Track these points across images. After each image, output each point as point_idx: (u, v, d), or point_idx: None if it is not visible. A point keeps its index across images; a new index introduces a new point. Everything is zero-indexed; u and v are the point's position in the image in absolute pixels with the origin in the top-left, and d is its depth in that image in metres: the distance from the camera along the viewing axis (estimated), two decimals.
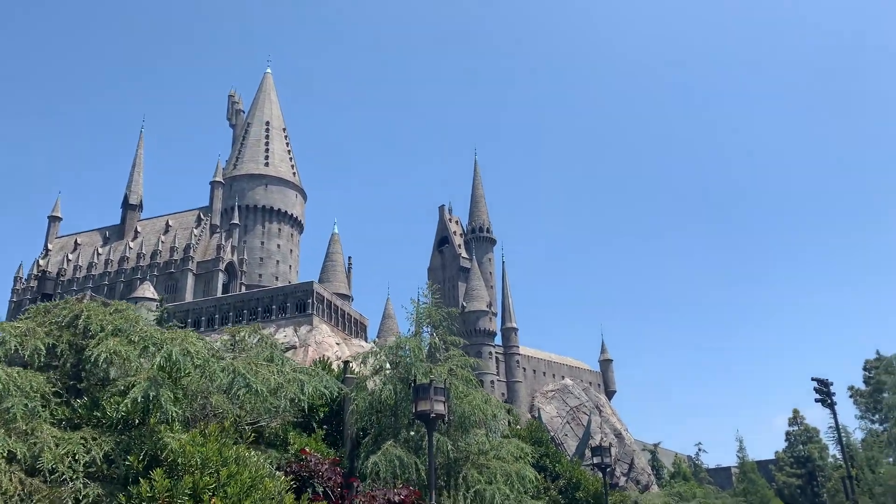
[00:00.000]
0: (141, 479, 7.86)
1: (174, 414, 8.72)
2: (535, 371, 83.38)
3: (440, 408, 13.00)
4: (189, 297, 64.02)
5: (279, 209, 77.18)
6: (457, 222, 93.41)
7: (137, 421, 9.00)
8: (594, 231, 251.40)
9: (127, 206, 75.09)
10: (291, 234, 78.59)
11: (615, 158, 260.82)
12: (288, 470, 11.93)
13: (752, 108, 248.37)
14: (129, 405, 8.57)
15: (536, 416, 74.38)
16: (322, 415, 15.43)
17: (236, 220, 71.70)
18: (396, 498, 12.15)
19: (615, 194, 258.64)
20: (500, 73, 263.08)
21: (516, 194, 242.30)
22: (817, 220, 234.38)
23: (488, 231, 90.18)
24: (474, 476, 13.66)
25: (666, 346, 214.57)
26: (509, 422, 24.37)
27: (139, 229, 72.95)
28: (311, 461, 12.43)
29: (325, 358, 22.51)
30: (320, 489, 12.23)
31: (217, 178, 73.55)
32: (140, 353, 9.84)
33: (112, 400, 8.91)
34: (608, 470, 22.19)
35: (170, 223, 71.82)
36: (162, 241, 69.57)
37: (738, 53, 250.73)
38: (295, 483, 11.19)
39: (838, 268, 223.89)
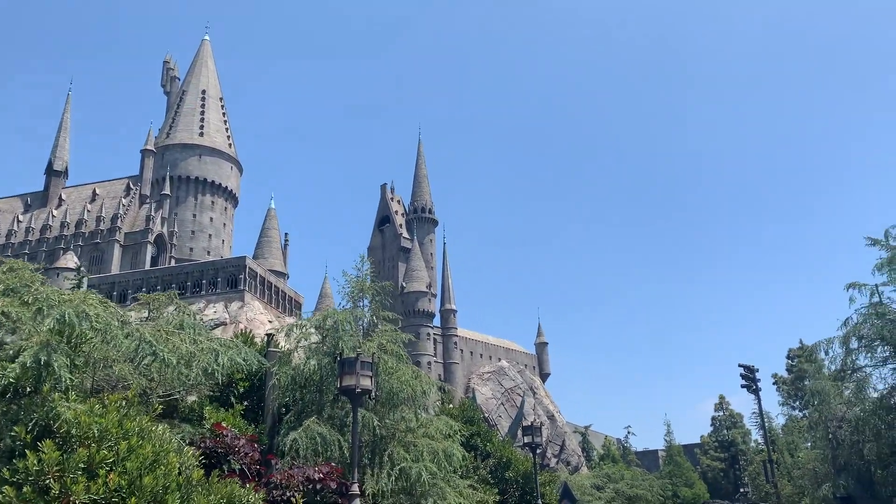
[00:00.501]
0: (28, 452, 7.05)
1: (69, 381, 7.90)
2: (472, 353, 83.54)
3: (366, 383, 12.38)
4: (115, 270, 61.51)
5: (213, 181, 74.78)
6: (399, 202, 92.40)
7: (28, 389, 8.15)
8: (535, 216, 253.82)
9: (51, 172, 71.54)
10: (225, 208, 76.36)
11: (559, 145, 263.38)
12: (202, 446, 11.20)
13: (688, 100, 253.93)
14: (17, 371, 7.72)
15: (471, 396, 74.56)
16: (242, 389, 14.68)
17: (167, 191, 69.10)
18: (316, 475, 11.55)
19: (557, 180, 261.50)
20: (447, 52, 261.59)
21: (460, 176, 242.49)
22: (747, 212, 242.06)
23: (430, 212, 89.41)
24: (400, 454, 13.14)
25: (600, 331, 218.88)
26: (442, 400, 23.97)
27: (64, 197, 69.61)
28: (227, 437, 11.72)
29: (248, 331, 21.58)
30: (236, 466, 11.54)
31: (148, 147, 70.72)
32: (34, 316, 8.97)
33: (0, 365, 8.04)
34: (539, 450, 22.01)
35: (97, 192, 68.75)
36: (88, 211, 66.54)
37: (681, 47, 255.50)
38: (208, 459, 10.49)
39: (766, 260, 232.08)
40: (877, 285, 30.66)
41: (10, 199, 72.61)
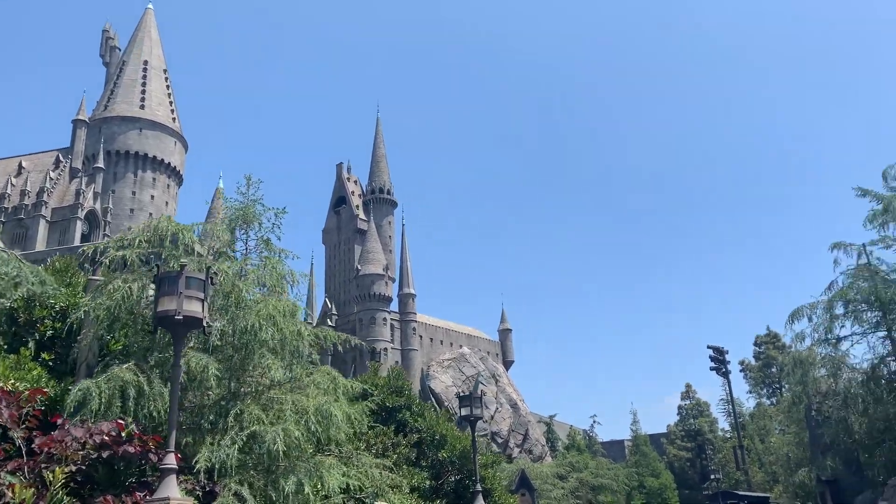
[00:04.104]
0: None
1: None
2: (431, 339, 79.70)
3: (195, 308, 8.49)
4: (41, 247, 56.50)
5: (154, 156, 69.84)
6: (355, 182, 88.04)
7: None
8: (500, 200, 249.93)
9: None
10: (168, 186, 71.47)
11: (525, 129, 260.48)
12: None
13: (652, 88, 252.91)
14: None
15: (426, 383, 70.92)
16: (49, 332, 10.67)
17: (101, 164, 64.01)
18: (97, 438, 7.64)
19: (523, 165, 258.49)
20: (408, 26, 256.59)
21: (422, 158, 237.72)
22: (712, 201, 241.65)
23: (389, 193, 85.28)
24: (254, 413, 9.26)
25: (566, 320, 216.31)
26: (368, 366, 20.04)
27: None
28: None
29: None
30: None
31: (81, 117, 65.57)
32: None
33: None
34: (479, 422, 18.08)
35: (23, 164, 63.44)
36: (12, 185, 61.24)
37: (640, 43, 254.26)
38: None
39: (732, 247, 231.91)
40: (864, 245, 27.31)
41: None
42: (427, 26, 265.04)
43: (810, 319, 26.66)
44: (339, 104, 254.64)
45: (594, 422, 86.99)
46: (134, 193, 67.81)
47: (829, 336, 26.65)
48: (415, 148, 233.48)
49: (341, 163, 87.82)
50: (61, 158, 63.54)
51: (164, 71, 77.25)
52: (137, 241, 10.36)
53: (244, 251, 13.44)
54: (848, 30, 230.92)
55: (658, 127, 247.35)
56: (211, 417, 9.54)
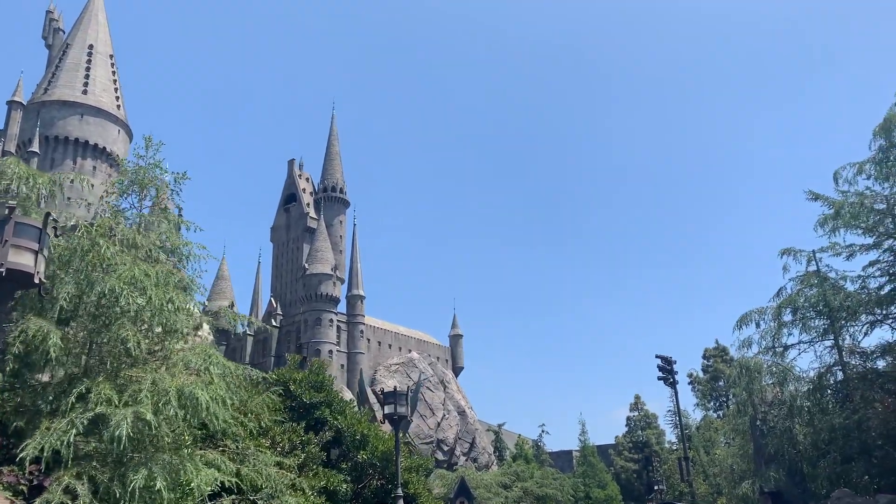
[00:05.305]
0: None
1: None
2: (380, 343, 77.81)
3: (24, 261, 6.95)
4: None
5: (96, 144, 66.66)
6: (307, 179, 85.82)
7: None
8: (453, 205, 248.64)
9: None
10: (110, 175, 68.30)
11: (482, 133, 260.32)
12: None
13: (603, 95, 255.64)
14: None
15: (363, 387, 69.07)
16: None
17: (35, 149, 60.93)
18: None
19: (477, 171, 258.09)
20: (366, 24, 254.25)
21: (375, 158, 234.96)
22: (662, 213, 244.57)
23: (342, 192, 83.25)
24: (104, 392, 7.68)
25: (517, 328, 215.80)
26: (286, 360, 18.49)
27: None
28: None
29: None
30: None
31: (17, 98, 62.38)
32: None
33: None
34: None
35: None
36: None
37: (604, 38, 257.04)
38: None
39: (681, 259, 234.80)
40: (814, 251, 26.70)
41: None
42: (386, 23, 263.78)
43: (758, 325, 25.98)
44: (294, 100, 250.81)
45: (543, 431, 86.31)
46: (72, 181, 64.59)
47: (777, 344, 26.00)
48: (370, 148, 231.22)
49: (293, 159, 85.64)
50: None
51: (111, 56, 74.18)
52: None
53: (138, 220, 11.91)
54: (788, 28, 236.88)
55: (618, 129, 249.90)
56: (50, 398, 7.93)
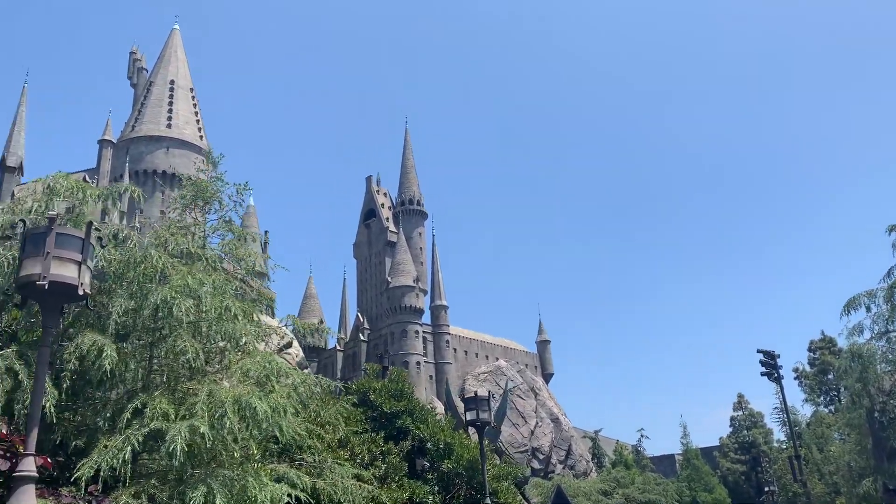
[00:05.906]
0: None
1: None
2: (466, 352, 77.34)
3: (67, 272, 6.66)
4: None
5: (182, 174, 69.49)
6: (385, 194, 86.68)
7: None
8: (533, 209, 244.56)
9: (4, 168, 66.44)
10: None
11: (559, 135, 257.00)
12: None
13: (697, 92, 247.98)
14: None
15: (448, 396, 68.48)
16: None
17: (126, 184, 63.76)
18: None
19: (557, 172, 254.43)
20: (435, 40, 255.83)
21: (450, 169, 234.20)
22: (763, 205, 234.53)
23: (419, 204, 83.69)
24: (160, 407, 7.35)
25: (607, 331, 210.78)
26: (365, 371, 18.12)
27: (16, 193, 64.42)
28: None
29: None
30: None
31: (107, 137, 65.61)
32: None
33: None
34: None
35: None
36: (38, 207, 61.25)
37: (677, 44, 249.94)
38: None
39: (783, 252, 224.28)
40: None
41: None
42: (456, 34, 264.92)
43: (868, 309, 23.93)
44: (368, 117, 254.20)
45: (642, 436, 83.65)
46: (162, 213, 67.33)
47: (891, 328, 23.92)
48: (445, 158, 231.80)
49: (370, 175, 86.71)
50: (87, 179, 63.37)
51: (191, 90, 77.25)
52: (34, 205, 8.64)
53: (202, 233, 11.79)
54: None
55: (703, 123, 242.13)
56: (108, 415, 7.66)
